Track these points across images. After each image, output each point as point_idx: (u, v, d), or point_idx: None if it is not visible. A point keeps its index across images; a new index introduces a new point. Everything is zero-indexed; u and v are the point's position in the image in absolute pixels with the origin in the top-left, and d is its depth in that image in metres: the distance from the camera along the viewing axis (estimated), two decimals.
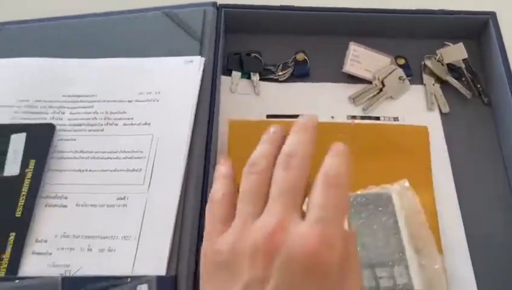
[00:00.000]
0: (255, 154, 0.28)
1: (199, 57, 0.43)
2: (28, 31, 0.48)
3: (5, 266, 0.35)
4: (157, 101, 0.42)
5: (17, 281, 0.34)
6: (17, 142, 0.40)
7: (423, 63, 0.48)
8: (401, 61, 0.48)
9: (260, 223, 0.24)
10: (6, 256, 0.36)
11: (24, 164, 0.39)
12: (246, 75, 0.47)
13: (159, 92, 0.42)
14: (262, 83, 0.47)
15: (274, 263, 0.23)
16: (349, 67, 0.47)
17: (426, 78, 0.48)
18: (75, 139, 0.41)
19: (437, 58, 0.48)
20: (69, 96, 0.43)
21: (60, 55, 0.45)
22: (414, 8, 0.48)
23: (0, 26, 0.49)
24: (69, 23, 0.48)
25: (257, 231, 0.24)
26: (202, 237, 0.27)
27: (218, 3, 0.47)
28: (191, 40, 0.44)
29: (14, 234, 0.36)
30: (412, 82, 0.48)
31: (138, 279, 0.33)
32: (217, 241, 0.25)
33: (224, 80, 0.47)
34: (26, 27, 0.48)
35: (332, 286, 0.23)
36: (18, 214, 0.37)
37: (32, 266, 0.35)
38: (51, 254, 0.36)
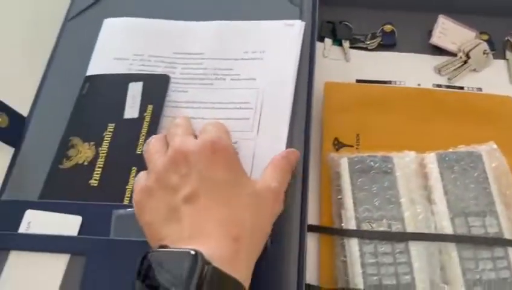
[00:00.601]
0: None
1: (299, 21, 0.46)
2: None
3: (128, 195, 0.40)
4: (262, 59, 0.45)
5: None
6: (135, 90, 0.45)
7: (506, 38, 0.51)
8: (485, 37, 0.51)
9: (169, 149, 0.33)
10: (129, 187, 0.40)
11: (142, 109, 0.43)
12: (337, 42, 0.50)
13: (263, 51, 0.45)
14: (351, 50, 0.50)
15: (190, 160, 0.31)
16: (436, 39, 0.49)
17: (509, 53, 0.50)
18: (187, 91, 0.45)
19: None
20: (179, 53, 0.47)
21: (168, 18, 0.50)
22: None
23: None
24: None
25: (167, 152, 0.33)
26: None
27: None
28: (291, 6, 0.48)
29: (135, 168, 0.41)
30: (494, 57, 0.50)
31: None
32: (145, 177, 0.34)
33: (317, 45, 0.50)
34: None
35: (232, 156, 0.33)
36: (138, 151, 0.42)
37: None
38: None
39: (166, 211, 0.30)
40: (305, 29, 0.47)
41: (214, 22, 0.48)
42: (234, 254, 0.28)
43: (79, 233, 0.38)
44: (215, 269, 0.26)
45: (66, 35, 0.52)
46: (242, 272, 0.28)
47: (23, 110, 0.46)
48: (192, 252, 0.26)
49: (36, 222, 0.39)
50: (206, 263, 0.26)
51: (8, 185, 0.41)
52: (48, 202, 0.39)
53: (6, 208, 0.40)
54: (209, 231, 0.28)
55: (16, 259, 0.38)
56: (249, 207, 0.30)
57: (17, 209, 0.39)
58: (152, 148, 0.35)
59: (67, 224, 0.38)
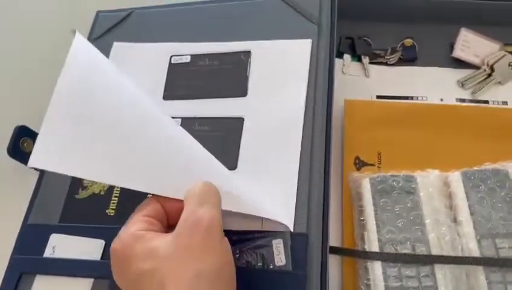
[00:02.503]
0: None
1: (308, 40, 0.46)
2: (153, 15, 0.54)
3: None
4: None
5: None
6: None
7: None
8: (509, 49, 0.49)
9: None
10: None
11: None
12: (356, 58, 0.50)
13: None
14: (371, 65, 0.50)
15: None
16: (459, 52, 0.48)
17: None
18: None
19: None
20: None
21: (181, 39, 0.50)
22: None
23: (131, 10, 0.54)
24: (192, 8, 0.53)
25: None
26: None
27: None
28: (309, 23, 0.47)
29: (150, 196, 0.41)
30: None
31: (273, 233, 0.37)
32: None
33: (336, 61, 0.49)
34: (153, 12, 0.54)
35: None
36: None
37: None
38: None
39: None
40: (323, 46, 0.46)
41: (223, 43, 0.48)
42: None
43: (102, 257, 0.38)
44: None
45: None
46: None
47: None
48: None
49: (61, 245, 0.39)
50: None
51: (33, 209, 0.42)
52: (71, 226, 0.40)
53: (32, 231, 0.41)
54: None
55: (42, 283, 0.38)
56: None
57: (42, 233, 0.40)
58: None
59: (91, 248, 0.39)
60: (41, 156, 0.34)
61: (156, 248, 0.30)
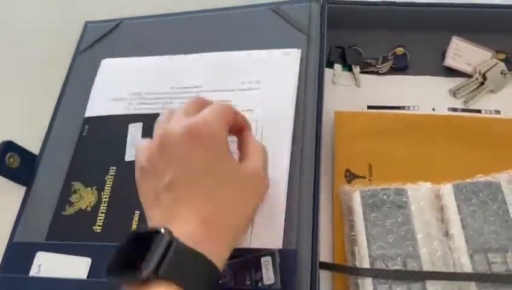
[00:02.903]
0: None
1: (296, 49, 0.46)
2: (142, 26, 0.53)
3: None
4: (259, 90, 0.44)
5: None
6: (135, 131, 0.44)
7: None
8: (501, 56, 0.49)
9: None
10: None
11: None
12: (347, 68, 0.49)
13: (260, 82, 0.45)
14: (362, 75, 0.49)
15: (170, 148, 0.32)
16: (450, 60, 0.48)
17: None
18: None
19: None
20: (177, 88, 0.47)
21: (171, 49, 0.50)
22: None
23: (119, 20, 0.54)
24: (182, 18, 0.52)
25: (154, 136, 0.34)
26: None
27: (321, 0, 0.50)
28: (299, 33, 0.47)
29: (138, 212, 0.39)
30: None
31: (261, 251, 0.36)
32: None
33: (326, 71, 0.49)
34: (142, 22, 0.53)
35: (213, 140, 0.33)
36: None
37: None
38: None
39: (152, 196, 0.32)
40: (313, 56, 0.46)
41: (209, 53, 0.48)
42: (202, 234, 0.29)
43: (88, 275, 0.38)
44: (180, 244, 0.27)
45: (76, 70, 0.52)
46: (214, 252, 0.29)
47: (37, 146, 0.46)
48: (161, 230, 0.27)
49: (46, 264, 0.39)
50: (172, 238, 0.27)
51: (19, 226, 0.42)
52: (58, 244, 0.39)
53: (18, 249, 0.40)
54: (180, 216, 0.30)
55: None
56: (229, 191, 0.32)
57: (28, 251, 0.39)
58: (161, 118, 0.35)
59: (77, 266, 0.38)
60: None
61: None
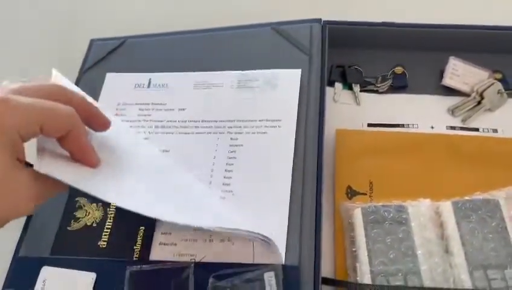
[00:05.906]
0: None
1: (297, 70, 0.47)
2: (146, 44, 0.54)
3: (137, 255, 0.39)
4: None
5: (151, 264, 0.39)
6: None
7: None
8: (498, 76, 0.50)
9: None
10: (137, 247, 0.40)
11: None
12: (348, 86, 0.50)
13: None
14: (362, 93, 0.50)
15: None
16: (448, 80, 0.49)
17: None
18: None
19: None
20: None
21: (175, 67, 0.51)
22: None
23: (124, 38, 0.55)
24: (185, 38, 0.53)
25: None
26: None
27: (322, 20, 0.51)
28: (300, 53, 0.48)
29: (143, 228, 0.41)
30: (509, 96, 0.49)
31: (265, 266, 0.37)
32: None
33: (327, 90, 0.50)
34: (146, 41, 0.54)
35: None
36: None
37: (160, 255, 0.39)
38: (175, 244, 0.40)
39: None
40: (314, 75, 0.47)
41: (205, 73, 0.49)
42: None
43: None
44: None
45: (82, 86, 0.53)
46: None
47: None
48: None
49: (51, 279, 0.39)
50: None
51: (24, 241, 0.42)
52: (63, 259, 0.40)
53: (23, 264, 0.41)
54: None
55: None
56: None
57: (33, 266, 0.40)
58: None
59: (82, 281, 0.38)
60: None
61: None
